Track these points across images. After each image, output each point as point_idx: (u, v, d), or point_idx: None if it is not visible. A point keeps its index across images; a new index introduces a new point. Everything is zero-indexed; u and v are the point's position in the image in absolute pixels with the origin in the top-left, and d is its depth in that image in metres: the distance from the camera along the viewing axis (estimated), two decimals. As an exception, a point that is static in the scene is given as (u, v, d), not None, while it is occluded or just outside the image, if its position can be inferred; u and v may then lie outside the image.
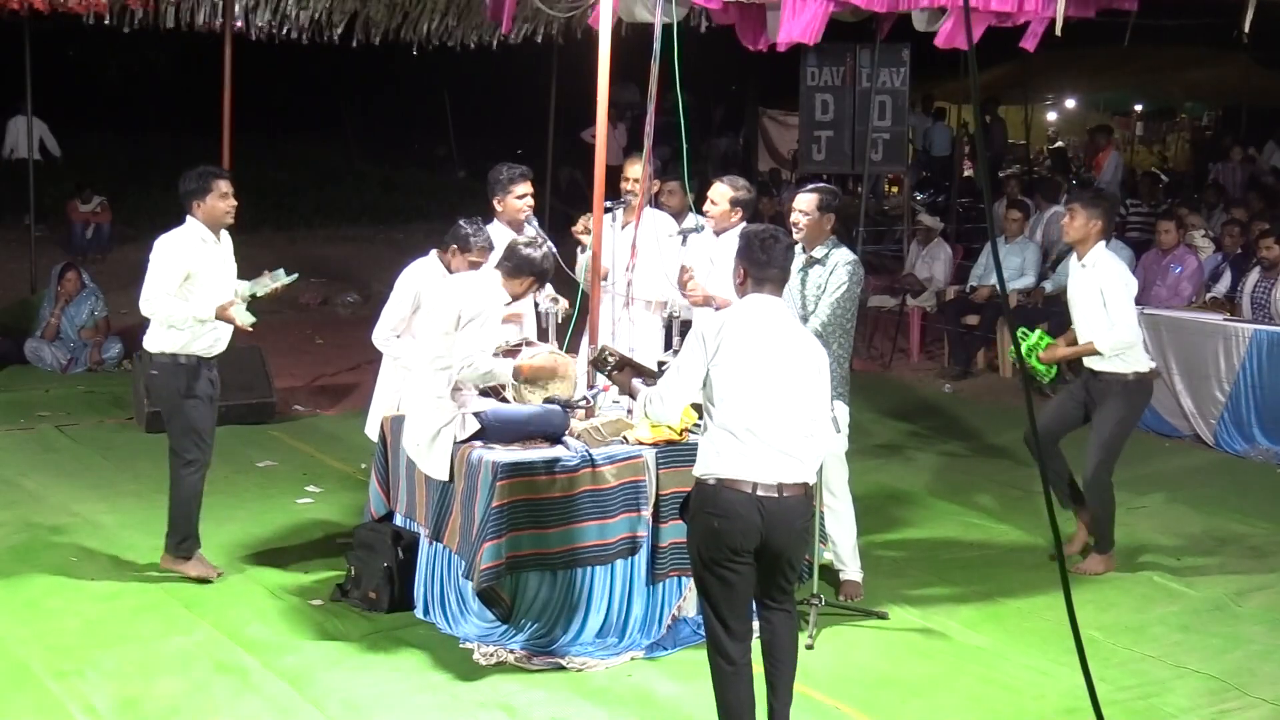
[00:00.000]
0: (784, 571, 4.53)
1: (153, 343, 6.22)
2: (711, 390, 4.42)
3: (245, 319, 6.02)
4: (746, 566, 4.40)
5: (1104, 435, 6.60)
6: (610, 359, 5.06)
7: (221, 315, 6.02)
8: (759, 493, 4.33)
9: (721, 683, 4.47)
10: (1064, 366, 6.95)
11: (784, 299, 4.57)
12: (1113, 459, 6.64)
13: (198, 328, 6.10)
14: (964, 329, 11.24)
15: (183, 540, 6.31)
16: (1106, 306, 6.42)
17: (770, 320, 4.45)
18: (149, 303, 6.06)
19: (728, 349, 4.38)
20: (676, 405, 4.56)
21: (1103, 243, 6.49)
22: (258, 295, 6.18)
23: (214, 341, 6.24)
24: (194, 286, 6.07)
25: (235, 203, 6.23)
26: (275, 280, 6.20)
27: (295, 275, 6.28)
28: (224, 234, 6.31)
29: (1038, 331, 6.74)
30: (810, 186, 6.37)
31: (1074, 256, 6.65)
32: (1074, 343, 6.65)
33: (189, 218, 6.19)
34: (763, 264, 4.48)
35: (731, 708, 4.46)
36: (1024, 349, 6.58)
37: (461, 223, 6.42)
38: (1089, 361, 6.59)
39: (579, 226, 6.81)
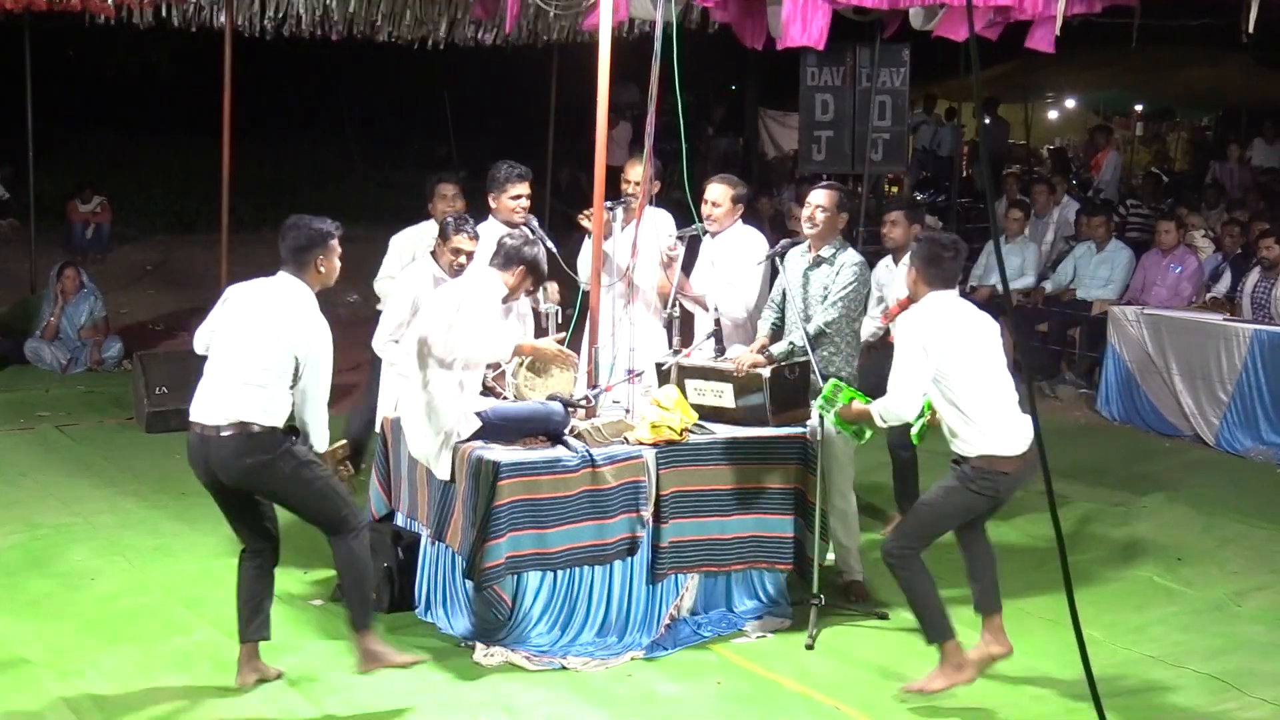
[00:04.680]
0: (246, 516, 5.15)
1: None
2: None
3: None
4: (221, 501, 5.13)
5: (922, 501, 5.44)
6: None
7: None
8: (196, 431, 5.00)
9: None
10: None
11: (298, 279, 5.03)
12: (914, 532, 5.26)
13: None
14: (964, 329, 11.22)
15: None
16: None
17: (262, 290, 5.08)
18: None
19: (223, 305, 5.12)
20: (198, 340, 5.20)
21: (935, 294, 5.14)
22: None
23: None
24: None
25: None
26: None
27: None
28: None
29: (832, 383, 5.51)
30: (827, 183, 6.36)
31: None
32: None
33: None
34: (282, 245, 5.09)
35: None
36: (818, 403, 5.51)
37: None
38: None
39: (584, 214, 6.81)
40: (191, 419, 5.04)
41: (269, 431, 4.93)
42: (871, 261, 6.76)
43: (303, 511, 5.13)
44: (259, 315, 5.00)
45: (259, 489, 5.06)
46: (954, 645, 5.13)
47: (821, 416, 5.57)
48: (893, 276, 6.90)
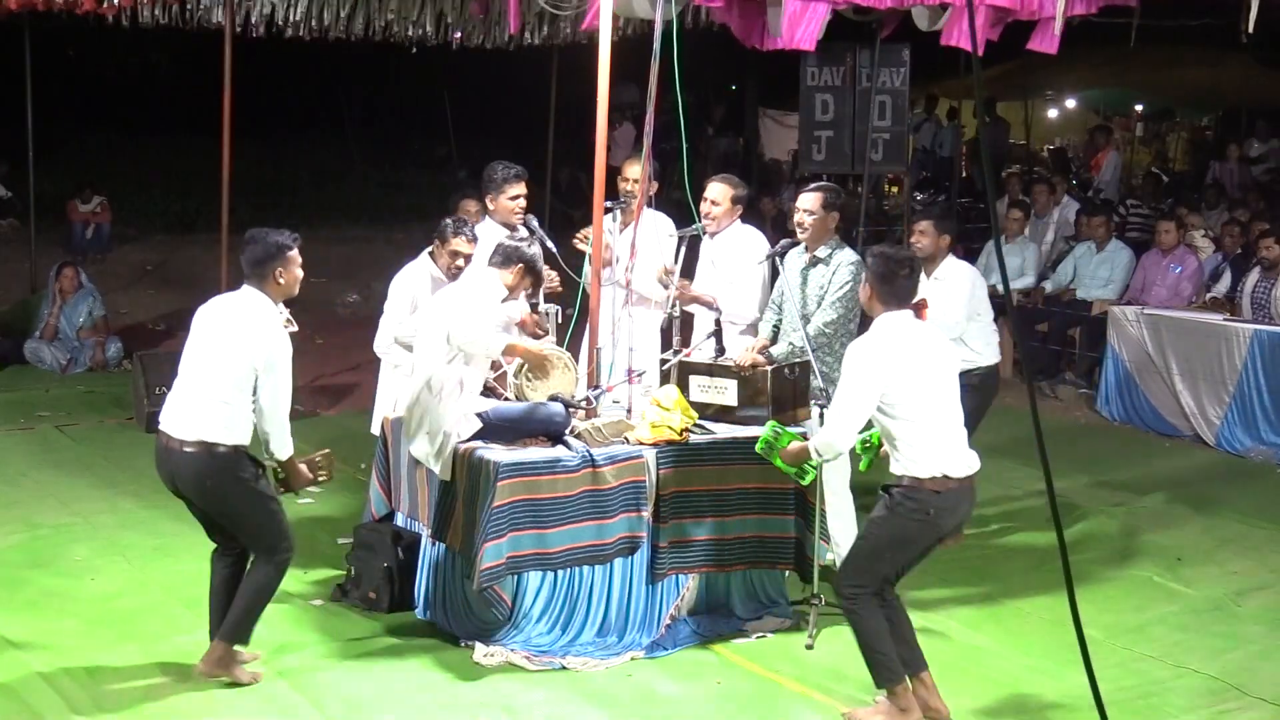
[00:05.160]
0: (218, 524, 5.23)
1: None
2: None
3: None
4: (190, 507, 5.28)
5: (858, 537, 5.18)
6: None
7: None
8: (163, 441, 5.11)
9: None
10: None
11: (260, 292, 5.11)
12: (858, 569, 4.94)
13: None
14: (963, 329, 11.21)
15: None
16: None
17: (225, 306, 5.21)
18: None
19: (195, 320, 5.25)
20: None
21: (888, 315, 4.91)
22: None
23: None
24: None
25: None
26: None
27: None
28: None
29: (771, 424, 5.28)
30: (814, 185, 6.39)
31: None
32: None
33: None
34: (242, 259, 5.19)
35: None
36: (759, 446, 5.23)
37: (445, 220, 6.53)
38: None
39: (579, 235, 6.81)
40: (160, 426, 5.15)
41: (232, 451, 5.04)
42: None
43: (245, 530, 5.20)
44: (221, 330, 5.11)
45: (212, 505, 5.16)
46: (903, 688, 4.93)
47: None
48: (921, 289, 6.76)
